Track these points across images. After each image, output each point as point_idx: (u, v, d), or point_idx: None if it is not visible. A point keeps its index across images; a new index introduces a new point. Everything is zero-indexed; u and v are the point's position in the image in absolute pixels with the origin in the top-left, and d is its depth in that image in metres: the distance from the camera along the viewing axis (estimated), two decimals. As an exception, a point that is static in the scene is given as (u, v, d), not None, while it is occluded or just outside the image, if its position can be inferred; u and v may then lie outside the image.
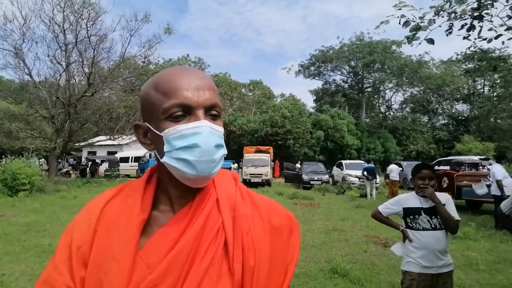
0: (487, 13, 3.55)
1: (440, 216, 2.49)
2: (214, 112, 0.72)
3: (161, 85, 0.70)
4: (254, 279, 0.68)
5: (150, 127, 0.72)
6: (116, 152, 27.55)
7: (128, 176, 24.27)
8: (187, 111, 0.69)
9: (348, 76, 44.22)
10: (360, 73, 41.75)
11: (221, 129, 0.72)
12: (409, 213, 2.61)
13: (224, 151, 0.72)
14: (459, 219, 2.51)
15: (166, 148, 0.69)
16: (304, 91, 78.43)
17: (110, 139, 21.62)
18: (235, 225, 0.72)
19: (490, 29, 3.73)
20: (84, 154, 30.82)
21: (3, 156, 16.39)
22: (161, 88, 0.70)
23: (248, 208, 0.76)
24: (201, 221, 0.70)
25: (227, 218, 0.72)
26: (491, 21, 3.62)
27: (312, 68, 43.85)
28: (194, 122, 0.68)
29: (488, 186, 8.24)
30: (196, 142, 0.67)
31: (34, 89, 18.35)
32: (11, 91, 21.00)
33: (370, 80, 42.97)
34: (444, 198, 2.60)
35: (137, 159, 24.83)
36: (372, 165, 15.18)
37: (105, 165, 24.88)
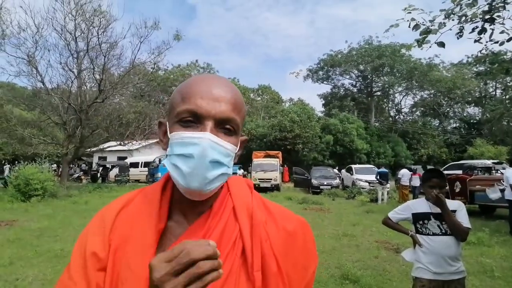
0: (498, 16, 3.50)
1: (447, 223, 2.44)
2: (228, 127, 0.68)
3: (183, 89, 0.70)
4: (280, 285, 0.68)
5: (167, 126, 0.71)
6: (126, 158, 27.83)
7: (138, 181, 24.44)
8: (197, 119, 0.66)
9: (357, 80, 44.06)
10: (369, 77, 41.57)
11: (228, 146, 0.68)
12: (418, 218, 2.58)
13: (224, 170, 0.68)
14: (470, 227, 2.44)
15: (168, 151, 0.69)
16: (312, 95, 78.50)
17: (120, 144, 21.90)
18: (253, 232, 0.70)
19: (502, 32, 3.68)
20: (95, 159, 31.25)
21: (16, 162, 16.69)
22: (182, 91, 0.70)
23: (263, 215, 0.75)
24: (218, 231, 0.69)
25: (244, 226, 0.70)
26: (503, 23, 3.57)
27: (320, 72, 43.85)
28: (198, 132, 0.65)
29: (502, 190, 8.08)
30: (192, 153, 0.64)
31: (46, 96, 18.71)
32: (24, 98, 21.40)
33: (379, 84, 42.72)
34: (456, 205, 2.56)
35: (147, 164, 24.99)
36: (385, 169, 15.04)
37: (115, 170, 25.14)
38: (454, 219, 2.43)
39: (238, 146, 0.74)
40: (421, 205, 2.60)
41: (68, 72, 18.54)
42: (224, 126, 0.68)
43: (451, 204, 2.55)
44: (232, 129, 0.69)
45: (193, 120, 0.67)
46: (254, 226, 0.71)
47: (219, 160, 0.66)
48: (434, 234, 2.49)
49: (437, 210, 2.51)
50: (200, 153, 0.64)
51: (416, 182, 13.32)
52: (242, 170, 23.57)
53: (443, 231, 2.47)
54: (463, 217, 2.47)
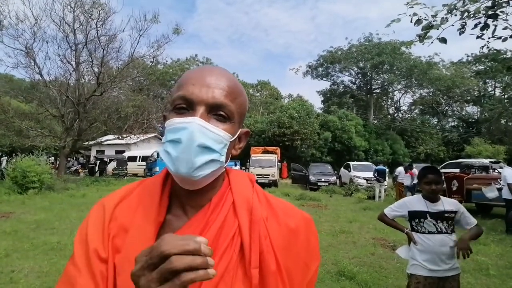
0: (502, 12, 3.47)
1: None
2: (221, 113, 0.67)
3: (180, 79, 0.72)
4: (279, 284, 0.67)
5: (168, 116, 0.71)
6: (124, 151, 27.80)
7: (135, 175, 24.43)
8: (189, 106, 0.67)
9: (356, 77, 43.98)
10: (368, 74, 41.48)
11: (218, 132, 0.66)
12: (414, 216, 2.58)
13: (215, 156, 0.66)
14: (476, 222, 2.58)
15: (163, 138, 0.68)
16: (311, 92, 77.77)
17: (118, 138, 21.83)
18: (252, 228, 0.69)
19: (505, 28, 3.65)
20: (93, 153, 31.16)
21: (14, 154, 16.63)
22: (179, 81, 0.72)
23: (264, 211, 0.74)
24: (217, 226, 0.68)
25: (243, 221, 0.69)
26: (506, 19, 3.54)
27: (320, 69, 43.72)
28: (187, 117, 0.65)
29: (499, 189, 8.10)
30: (180, 137, 0.63)
31: (44, 88, 18.61)
32: (22, 90, 21.28)
33: (379, 81, 42.67)
34: (455, 206, 2.58)
35: (144, 158, 24.99)
36: (383, 167, 15.04)
37: (113, 164, 25.10)
38: (474, 233, 2.53)
39: (236, 136, 0.73)
40: (418, 203, 2.60)
41: (66, 64, 18.47)
42: (216, 112, 0.68)
43: (448, 203, 2.57)
44: (226, 116, 0.68)
45: (186, 107, 0.67)
46: (253, 222, 0.69)
47: (208, 145, 0.65)
48: (429, 233, 2.50)
49: (434, 208, 2.52)
50: (187, 137, 0.63)
51: (408, 181, 13.08)
52: (238, 166, 23.42)
53: (439, 230, 2.48)
54: (468, 217, 2.56)
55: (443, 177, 2.63)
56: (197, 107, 0.66)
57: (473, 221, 2.56)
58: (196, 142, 0.63)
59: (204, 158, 0.65)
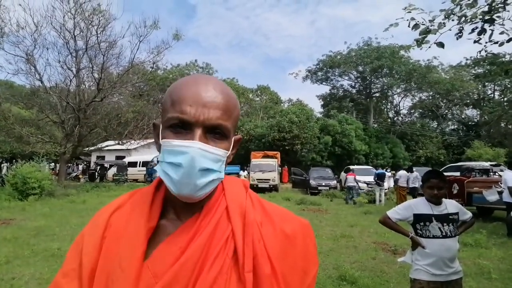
0: (498, 17, 3.50)
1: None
2: (219, 131, 0.68)
3: (173, 93, 0.69)
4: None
5: (160, 130, 0.71)
6: (124, 157, 27.76)
7: (136, 180, 24.39)
8: (186, 126, 0.66)
9: (356, 81, 44.07)
10: (368, 78, 41.58)
11: (218, 152, 0.67)
12: (420, 219, 2.56)
13: (215, 176, 0.67)
14: (471, 214, 2.71)
15: (160, 157, 0.69)
16: (311, 96, 77.97)
17: (118, 143, 21.84)
18: (245, 232, 0.69)
19: (502, 33, 3.67)
20: (93, 158, 31.14)
21: (14, 160, 16.63)
22: (172, 95, 0.69)
23: (258, 215, 0.74)
24: (209, 230, 0.68)
25: (237, 226, 0.69)
26: (502, 24, 3.56)
27: (319, 73, 43.81)
28: (187, 141, 0.65)
29: (500, 192, 8.09)
30: (181, 162, 0.64)
31: (44, 94, 18.68)
32: (22, 96, 21.33)
33: (378, 85, 42.75)
34: (457, 207, 2.62)
35: (145, 163, 24.95)
36: (383, 171, 15.07)
37: (113, 170, 25.05)
38: (467, 227, 2.75)
39: (231, 147, 0.73)
40: (423, 206, 2.59)
41: (66, 70, 18.58)
42: (214, 131, 0.68)
43: (450, 205, 2.57)
44: (223, 134, 0.69)
45: (182, 126, 0.66)
46: (246, 226, 0.70)
47: (209, 167, 0.66)
48: (434, 237, 2.49)
49: (439, 211, 2.52)
50: (188, 162, 0.64)
51: (351, 181, 13.33)
52: (245, 172, 23.05)
53: (444, 234, 2.47)
54: (466, 213, 2.67)
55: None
56: (195, 128, 0.65)
57: (468, 214, 2.68)
58: (197, 167, 0.64)
59: (206, 180, 0.66)
